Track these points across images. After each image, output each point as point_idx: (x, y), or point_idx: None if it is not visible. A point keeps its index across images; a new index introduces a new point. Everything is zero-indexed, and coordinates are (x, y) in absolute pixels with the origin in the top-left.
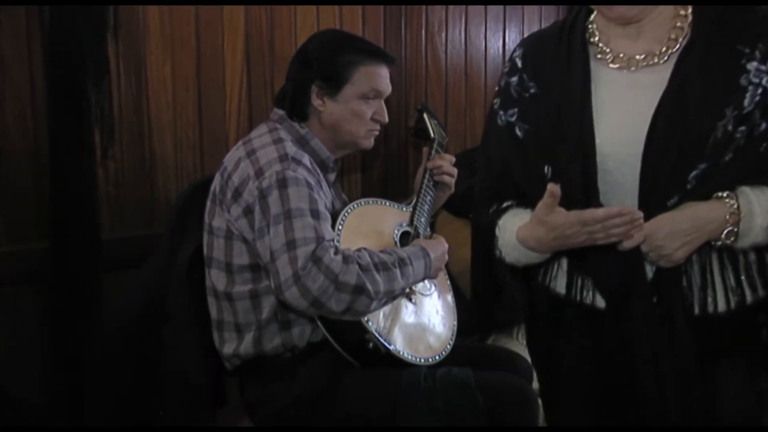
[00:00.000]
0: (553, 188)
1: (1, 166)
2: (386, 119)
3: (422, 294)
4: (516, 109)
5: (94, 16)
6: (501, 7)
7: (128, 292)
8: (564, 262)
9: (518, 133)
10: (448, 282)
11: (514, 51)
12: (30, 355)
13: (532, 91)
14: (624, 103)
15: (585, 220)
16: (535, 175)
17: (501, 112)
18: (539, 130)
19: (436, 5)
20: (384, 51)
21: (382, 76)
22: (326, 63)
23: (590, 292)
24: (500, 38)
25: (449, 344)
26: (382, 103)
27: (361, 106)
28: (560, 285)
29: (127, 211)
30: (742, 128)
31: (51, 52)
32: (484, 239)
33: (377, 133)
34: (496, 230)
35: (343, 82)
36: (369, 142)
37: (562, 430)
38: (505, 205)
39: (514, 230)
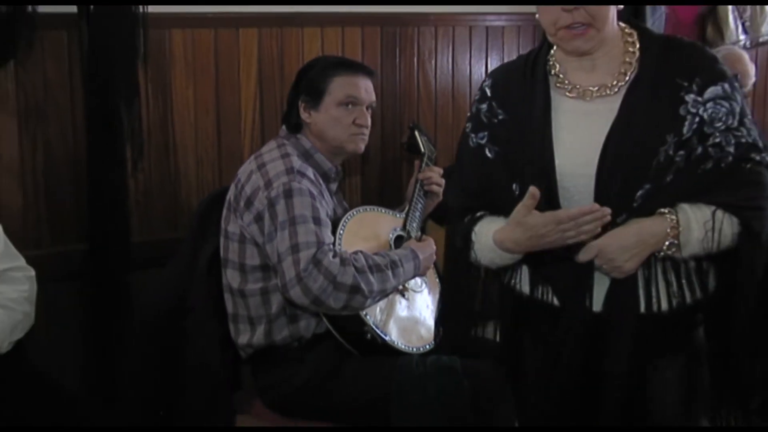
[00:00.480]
0: (534, 191)
1: (45, 178)
2: (368, 123)
3: (414, 291)
4: (486, 133)
5: (127, 46)
6: (484, 37)
7: (155, 288)
8: (526, 269)
9: (488, 154)
10: (437, 279)
11: (485, 81)
12: (69, 343)
13: (500, 117)
14: (580, 129)
15: (560, 218)
16: (505, 192)
17: (472, 135)
18: (507, 152)
19: (427, 36)
20: (358, 63)
21: (358, 85)
22: (307, 80)
23: (550, 293)
24: (483, 65)
25: (438, 335)
26: (363, 109)
27: (340, 112)
28: (525, 286)
29: (153, 218)
30: (681, 152)
31: (89, 76)
32: (460, 245)
33: (364, 137)
34: (473, 235)
35: (322, 93)
36: (357, 146)
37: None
38: (479, 214)
39: (491, 234)
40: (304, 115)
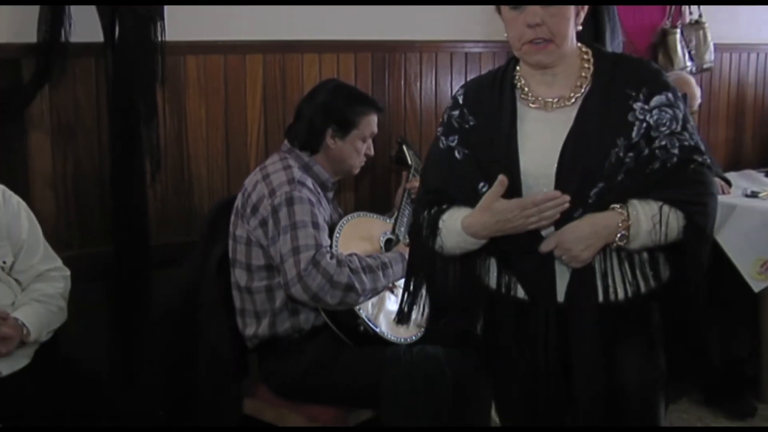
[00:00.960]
0: (503, 179)
1: (74, 188)
2: (372, 153)
3: (398, 280)
4: (456, 137)
5: (147, 71)
6: (463, 62)
7: (171, 285)
8: (493, 262)
9: (457, 155)
10: None
11: (457, 91)
12: (97, 334)
13: (471, 123)
14: (541, 135)
15: (525, 204)
16: (471, 189)
17: (443, 138)
18: (476, 154)
19: (413, 61)
20: (378, 103)
21: (375, 122)
22: (343, 112)
23: (515, 286)
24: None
25: (423, 327)
26: (371, 141)
27: (360, 145)
28: (492, 280)
29: (170, 223)
30: (631, 154)
31: (113, 99)
32: (426, 233)
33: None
34: (440, 222)
35: (352, 127)
36: (357, 170)
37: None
38: (445, 206)
39: (459, 219)
40: (329, 141)
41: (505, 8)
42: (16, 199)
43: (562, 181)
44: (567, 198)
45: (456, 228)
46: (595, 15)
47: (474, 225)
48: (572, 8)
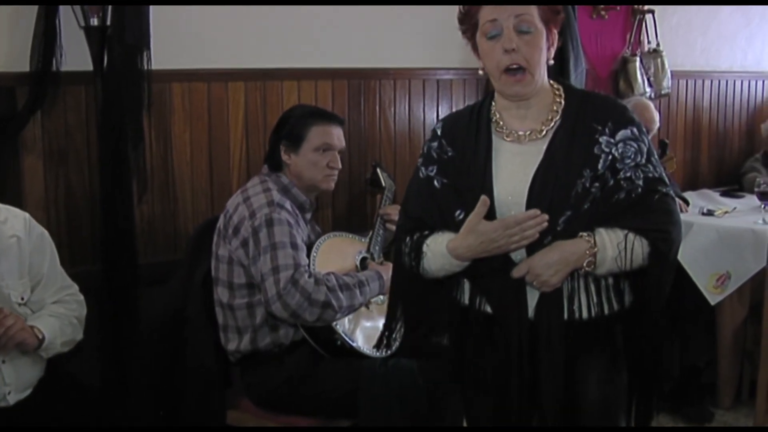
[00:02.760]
0: (485, 199)
1: (66, 209)
2: (339, 166)
3: (377, 303)
4: (435, 167)
5: (134, 98)
6: (435, 89)
7: (158, 302)
8: (466, 283)
9: (436, 184)
10: None
11: (436, 124)
12: (88, 347)
13: (449, 154)
14: (514, 165)
15: (508, 223)
16: (449, 217)
17: (422, 168)
18: (454, 183)
19: (387, 88)
20: (331, 113)
21: (331, 133)
22: (288, 127)
23: (484, 305)
24: (434, 111)
25: (398, 341)
26: (335, 153)
27: (316, 156)
28: (465, 298)
29: (156, 242)
30: (597, 184)
31: (103, 124)
32: (409, 258)
33: (335, 177)
34: (424, 247)
35: (301, 140)
36: (328, 185)
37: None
38: (426, 232)
39: (443, 242)
40: (284, 157)
41: (482, 40)
42: (39, 230)
43: (531, 209)
44: (545, 217)
45: (441, 251)
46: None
47: (459, 247)
48: (544, 39)
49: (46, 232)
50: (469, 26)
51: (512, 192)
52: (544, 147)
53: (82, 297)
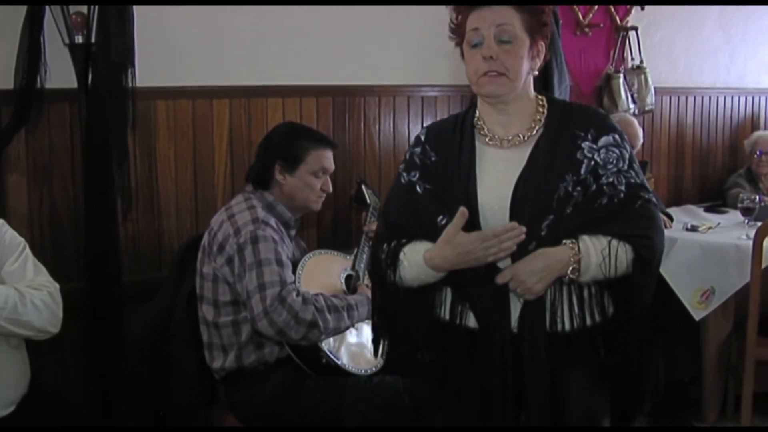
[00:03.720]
0: (463, 210)
1: (50, 226)
2: (330, 190)
3: (362, 322)
4: (417, 172)
5: (118, 115)
6: (420, 105)
7: (142, 319)
8: (449, 292)
9: (418, 190)
10: None
11: (420, 131)
12: (73, 365)
13: (432, 159)
14: (497, 170)
15: (485, 236)
16: (431, 222)
17: (404, 174)
18: (436, 189)
19: (372, 104)
20: (329, 139)
21: (328, 158)
22: (289, 148)
23: (466, 317)
24: (419, 127)
25: (383, 359)
26: (328, 177)
27: (311, 180)
28: (446, 311)
29: (141, 259)
30: (579, 189)
31: (87, 142)
32: (386, 265)
33: (323, 199)
34: (401, 255)
35: (299, 162)
36: (318, 206)
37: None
38: (405, 240)
39: (420, 252)
40: (278, 177)
41: (466, 47)
42: (11, 233)
43: (515, 214)
44: (523, 229)
45: (417, 261)
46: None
47: (435, 258)
48: (526, 47)
49: (18, 237)
50: (459, 36)
51: (496, 196)
52: (527, 152)
53: (55, 289)
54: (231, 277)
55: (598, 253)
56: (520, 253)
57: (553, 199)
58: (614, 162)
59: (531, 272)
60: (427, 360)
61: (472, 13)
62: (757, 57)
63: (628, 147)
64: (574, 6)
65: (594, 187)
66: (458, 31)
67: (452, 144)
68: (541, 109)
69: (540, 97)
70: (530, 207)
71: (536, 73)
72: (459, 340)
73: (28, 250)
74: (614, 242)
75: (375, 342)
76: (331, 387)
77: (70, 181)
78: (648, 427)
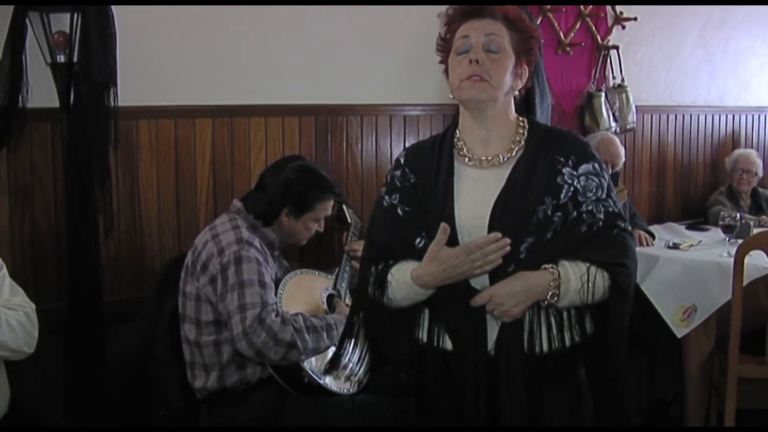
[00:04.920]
0: (445, 226)
1: (32, 246)
2: (322, 230)
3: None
4: (398, 195)
5: (101, 135)
6: (402, 124)
7: (124, 339)
8: (426, 314)
9: (399, 212)
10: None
11: (400, 153)
12: (53, 384)
13: (412, 181)
14: (475, 190)
15: (470, 249)
16: (411, 245)
17: (386, 196)
18: (416, 210)
19: (354, 124)
20: (337, 187)
21: (331, 205)
22: (302, 196)
23: (443, 339)
24: (401, 147)
25: (365, 378)
26: (323, 220)
27: (312, 225)
28: (423, 332)
29: (123, 279)
30: (559, 214)
31: (69, 161)
32: (374, 288)
33: None
34: (389, 276)
35: (307, 210)
36: (305, 242)
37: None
38: (391, 262)
39: (408, 271)
40: (284, 218)
41: (452, 56)
42: None
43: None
44: (507, 241)
45: (405, 280)
46: None
47: (423, 275)
48: (512, 62)
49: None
50: (446, 51)
51: (473, 215)
52: (507, 173)
53: (32, 310)
54: (214, 297)
55: (578, 279)
56: (499, 274)
57: (532, 221)
58: (594, 190)
59: (509, 294)
60: (409, 381)
61: (463, 24)
62: (737, 76)
63: (606, 176)
64: (556, 25)
65: (574, 214)
66: (445, 46)
67: (430, 164)
68: (521, 131)
69: (521, 119)
70: (509, 227)
71: (517, 93)
72: (436, 361)
73: (5, 270)
74: (593, 268)
75: (335, 355)
76: (313, 406)
77: (52, 200)
78: (647, 427)
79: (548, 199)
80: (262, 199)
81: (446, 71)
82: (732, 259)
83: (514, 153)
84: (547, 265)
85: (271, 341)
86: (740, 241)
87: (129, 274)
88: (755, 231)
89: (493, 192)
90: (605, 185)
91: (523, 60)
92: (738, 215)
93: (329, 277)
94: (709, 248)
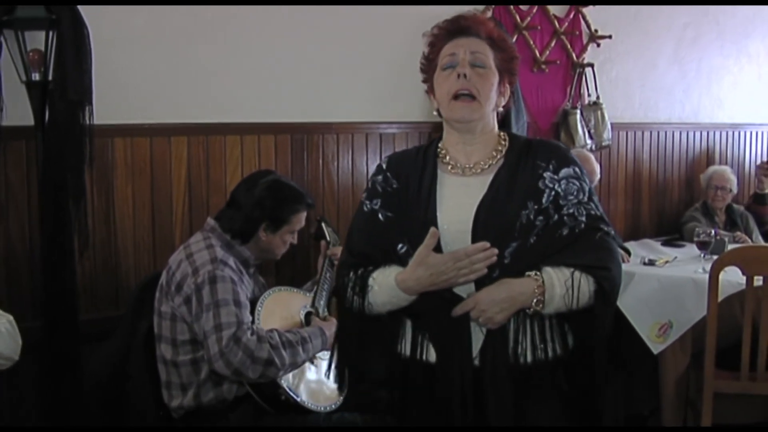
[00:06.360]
0: (434, 231)
1: (6, 265)
2: (296, 242)
3: (320, 358)
4: (379, 200)
5: (76, 153)
6: (378, 142)
7: (99, 358)
8: (408, 324)
9: (380, 217)
10: None
11: (381, 160)
12: (28, 404)
13: (394, 186)
14: (458, 195)
15: (458, 256)
16: (392, 251)
17: (367, 202)
18: (398, 216)
19: (330, 142)
20: (310, 198)
21: (304, 216)
22: (276, 210)
23: (426, 350)
24: (377, 164)
25: (342, 396)
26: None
27: (289, 238)
28: (406, 345)
29: (98, 298)
30: (541, 218)
31: (43, 180)
32: (353, 292)
33: None
34: (370, 280)
35: (283, 224)
36: (280, 257)
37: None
38: (370, 268)
39: (391, 275)
40: (261, 234)
41: (438, 73)
42: None
43: (477, 238)
44: (495, 251)
45: (389, 283)
46: None
47: (408, 279)
48: (496, 79)
49: None
50: (429, 71)
51: (456, 220)
52: (489, 179)
53: (12, 319)
54: (189, 317)
55: (562, 284)
56: (484, 280)
57: (515, 227)
58: (575, 193)
59: (493, 301)
60: (390, 397)
61: (448, 43)
62: (711, 93)
63: (587, 180)
64: (531, 43)
65: (556, 217)
66: (429, 66)
67: (414, 171)
68: (503, 142)
69: (503, 134)
70: (492, 232)
71: (501, 110)
72: (419, 376)
73: None
74: (577, 273)
75: (338, 375)
76: (290, 425)
77: (27, 218)
78: (647, 427)
79: (531, 204)
80: (238, 217)
81: (429, 90)
82: (707, 275)
83: (495, 161)
84: (530, 272)
85: (248, 360)
86: (715, 257)
87: (104, 292)
88: (730, 247)
89: (475, 197)
90: (586, 189)
91: (506, 79)
92: (713, 231)
93: (307, 294)
94: (684, 264)
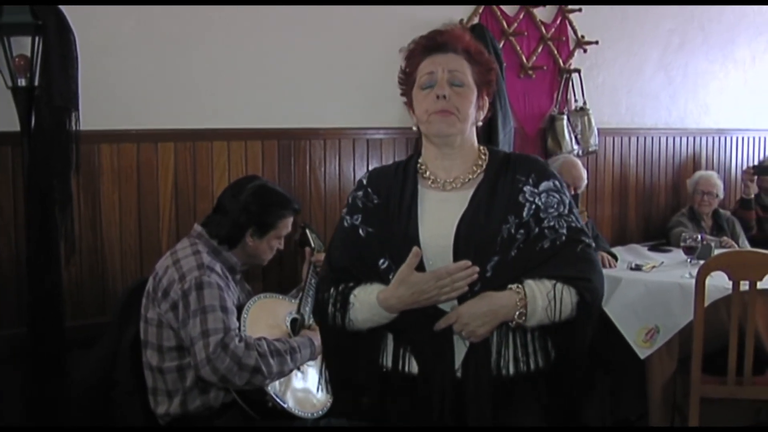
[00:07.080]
0: (417, 250)
1: None
2: (283, 247)
3: (308, 365)
4: (360, 215)
5: (62, 159)
6: (365, 148)
7: (86, 365)
8: (390, 338)
9: (361, 233)
10: None
11: (362, 176)
12: (13, 412)
13: (375, 201)
14: (438, 210)
15: (439, 274)
16: (372, 266)
17: (347, 217)
18: (379, 231)
19: (317, 147)
20: (296, 203)
21: (291, 221)
22: (263, 215)
23: (408, 362)
24: (365, 170)
25: (329, 402)
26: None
27: (275, 243)
28: (388, 358)
29: (84, 304)
30: (522, 231)
31: (29, 186)
32: (334, 309)
33: None
34: (351, 297)
35: (269, 229)
36: (266, 262)
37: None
38: (351, 284)
39: (373, 293)
40: (248, 239)
41: (417, 91)
42: None
43: (459, 253)
44: (476, 269)
45: (370, 301)
46: None
47: (390, 298)
48: (474, 96)
49: None
50: (408, 84)
51: (437, 234)
52: (469, 194)
53: None
54: (175, 323)
55: (544, 297)
56: (466, 294)
57: (496, 241)
58: (555, 206)
59: (475, 315)
60: (372, 407)
61: (425, 59)
62: (697, 98)
63: (567, 193)
64: (518, 48)
65: (537, 230)
66: (407, 80)
67: (394, 186)
68: (483, 157)
69: (482, 148)
70: (474, 247)
71: (480, 123)
72: (400, 387)
73: None
74: (559, 285)
75: (326, 383)
76: (277, 430)
77: (12, 224)
78: (646, 427)
79: (511, 218)
80: (225, 222)
81: (408, 104)
82: (693, 280)
83: (475, 176)
84: (512, 285)
85: (235, 366)
86: (701, 262)
87: (90, 298)
88: (716, 252)
89: (456, 212)
90: (567, 201)
91: (484, 92)
92: (699, 236)
93: (293, 301)
94: (671, 269)
